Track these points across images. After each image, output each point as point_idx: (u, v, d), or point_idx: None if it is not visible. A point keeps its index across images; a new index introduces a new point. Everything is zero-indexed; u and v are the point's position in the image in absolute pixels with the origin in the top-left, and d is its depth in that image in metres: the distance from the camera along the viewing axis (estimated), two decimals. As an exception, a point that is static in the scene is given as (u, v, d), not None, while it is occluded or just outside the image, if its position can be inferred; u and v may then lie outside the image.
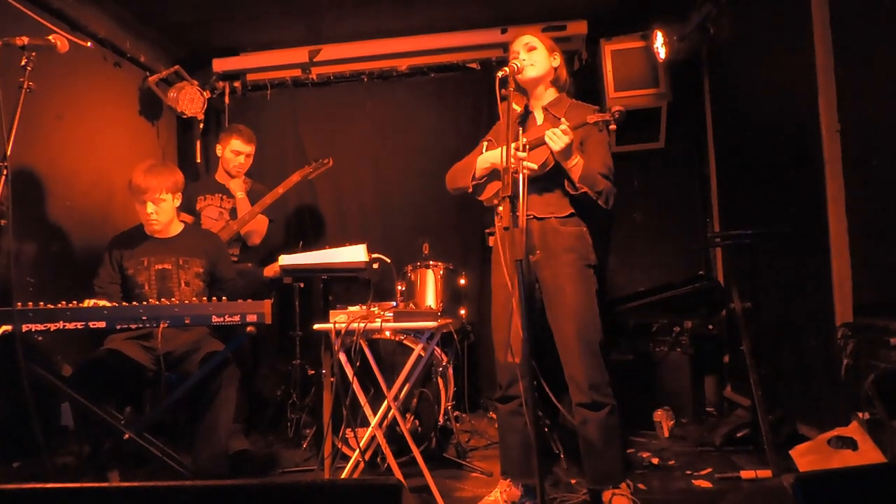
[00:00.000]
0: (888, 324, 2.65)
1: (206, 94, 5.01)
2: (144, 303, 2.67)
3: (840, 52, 3.09)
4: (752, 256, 3.62)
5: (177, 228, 3.42)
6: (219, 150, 4.25)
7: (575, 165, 2.70)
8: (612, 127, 2.59)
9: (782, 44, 3.63)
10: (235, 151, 4.19)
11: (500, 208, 2.82)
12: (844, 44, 3.07)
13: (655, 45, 4.39)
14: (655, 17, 4.43)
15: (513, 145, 2.71)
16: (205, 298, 2.70)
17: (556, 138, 2.58)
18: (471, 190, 3.00)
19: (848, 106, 3.06)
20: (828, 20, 3.14)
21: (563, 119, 2.67)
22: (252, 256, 4.26)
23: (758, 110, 4.04)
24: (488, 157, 2.93)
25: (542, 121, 2.93)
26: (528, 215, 2.79)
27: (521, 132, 2.73)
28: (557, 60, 2.92)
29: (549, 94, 2.96)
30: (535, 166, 2.66)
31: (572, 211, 2.85)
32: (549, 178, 2.77)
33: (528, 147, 2.66)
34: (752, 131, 4.13)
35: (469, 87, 5.18)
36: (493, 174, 2.91)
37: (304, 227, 5.31)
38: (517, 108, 2.96)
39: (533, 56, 2.86)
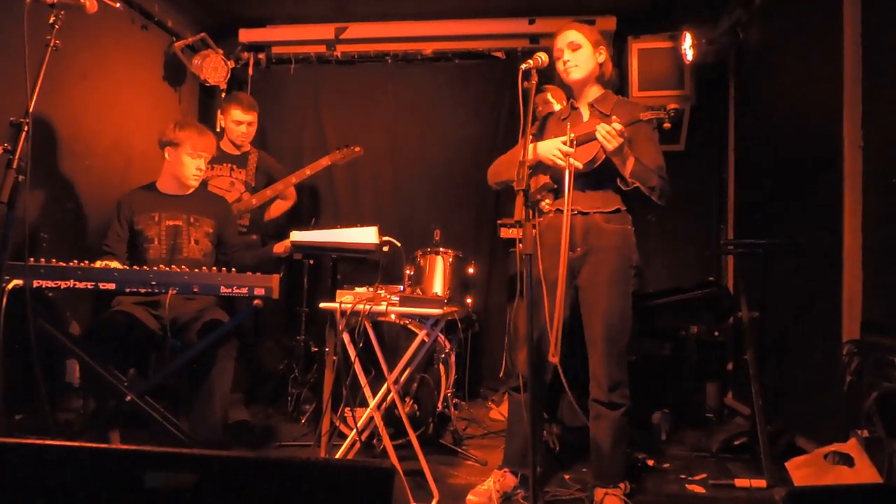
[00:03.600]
0: (895, 343, 2.64)
1: (231, 64, 5.01)
2: (154, 266, 2.69)
3: (869, 67, 3.05)
4: (763, 266, 3.60)
5: (193, 188, 3.48)
6: (221, 120, 4.25)
7: (627, 162, 2.66)
8: (667, 125, 2.55)
9: (811, 54, 3.59)
10: (236, 121, 4.18)
11: (544, 202, 2.80)
12: (874, 60, 3.02)
13: (683, 47, 4.34)
14: (685, 18, 4.39)
15: (551, 141, 2.70)
16: (214, 268, 2.70)
17: (611, 138, 2.54)
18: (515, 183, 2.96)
19: (873, 122, 3.03)
20: (859, 35, 3.09)
21: (613, 116, 2.63)
22: (259, 229, 4.28)
23: (781, 120, 4.00)
24: (535, 149, 2.88)
25: (587, 117, 2.88)
26: (572, 210, 2.74)
27: (568, 127, 2.69)
28: (603, 55, 2.85)
29: (594, 91, 2.90)
30: (580, 165, 2.64)
31: (619, 206, 2.81)
32: (597, 172, 2.73)
33: (575, 143, 2.63)
34: (774, 140, 4.09)
35: (492, 76, 5.14)
36: (538, 167, 2.85)
37: (318, 204, 5.32)
38: (556, 105, 2.92)
39: (578, 56, 2.79)
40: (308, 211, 5.25)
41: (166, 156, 3.36)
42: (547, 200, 2.79)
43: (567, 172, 2.59)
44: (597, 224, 2.78)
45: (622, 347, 2.77)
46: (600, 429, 2.77)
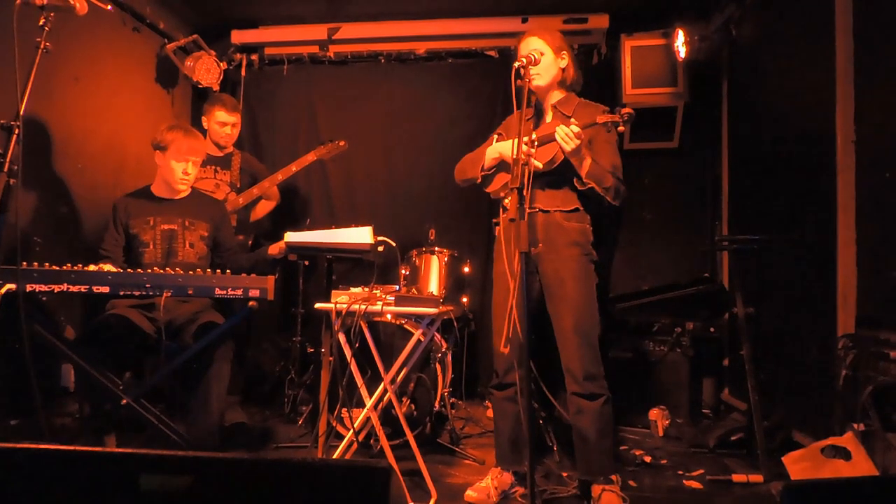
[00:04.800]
0: (889, 337, 2.65)
1: (223, 66, 4.98)
2: (149, 270, 2.68)
3: (861, 62, 3.06)
4: (758, 262, 3.61)
5: (184, 192, 3.45)
6: (205, 122, 4.20)
7: (584, 163, 2.71)
8: (621, 129, 2.58)
9: (804, 51, 3.60)
10: (220, 122, 4.15)
11: (507, 200, 2.83)
12: (866, 55, 3.03)
13: (676, 44, 4.34)
14: (678, 15, 4.39)
15: (524, 139, 2.72)
16: (209, 270, 2.69)
17: (569, 139, 2.59)
18: (479, 181, 3.01)
19: (865, 117, 3.04)
20: (851, 30, 3.11)
21: (572, 119, 2.67)
22: (246, 230, 4.27)
23: (774, 116, 4.01)
24: (498, 147, 2.93)
25: (551, 118, 2.94)
26: (533, 208, 2.83)
27: (531, 128, 2.72)
28: (565, 60, 2.91)
29: (557, 94, 2.97)
30: (540, 165, 2.67)
31: (577, 206, 2.87)
32: (557, 172, 2.78)
33: (536, 143, 2.66)
34: (767, 136, 4.10)
35: (486, 74, 5.14)
36: (501, 166, 2.93)
37: (312, 205, 5.31)
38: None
39: (540, 65, 2.82)
40: (302, 212, 5.24)
41: (157, 160, 3.35)
42: (510, 199, 2.82)
43: (526, 171, 2.60)
44: (556, 221, 2.85)
45: (593, 340, 2.80)
46: (583, 421, 2.78)
